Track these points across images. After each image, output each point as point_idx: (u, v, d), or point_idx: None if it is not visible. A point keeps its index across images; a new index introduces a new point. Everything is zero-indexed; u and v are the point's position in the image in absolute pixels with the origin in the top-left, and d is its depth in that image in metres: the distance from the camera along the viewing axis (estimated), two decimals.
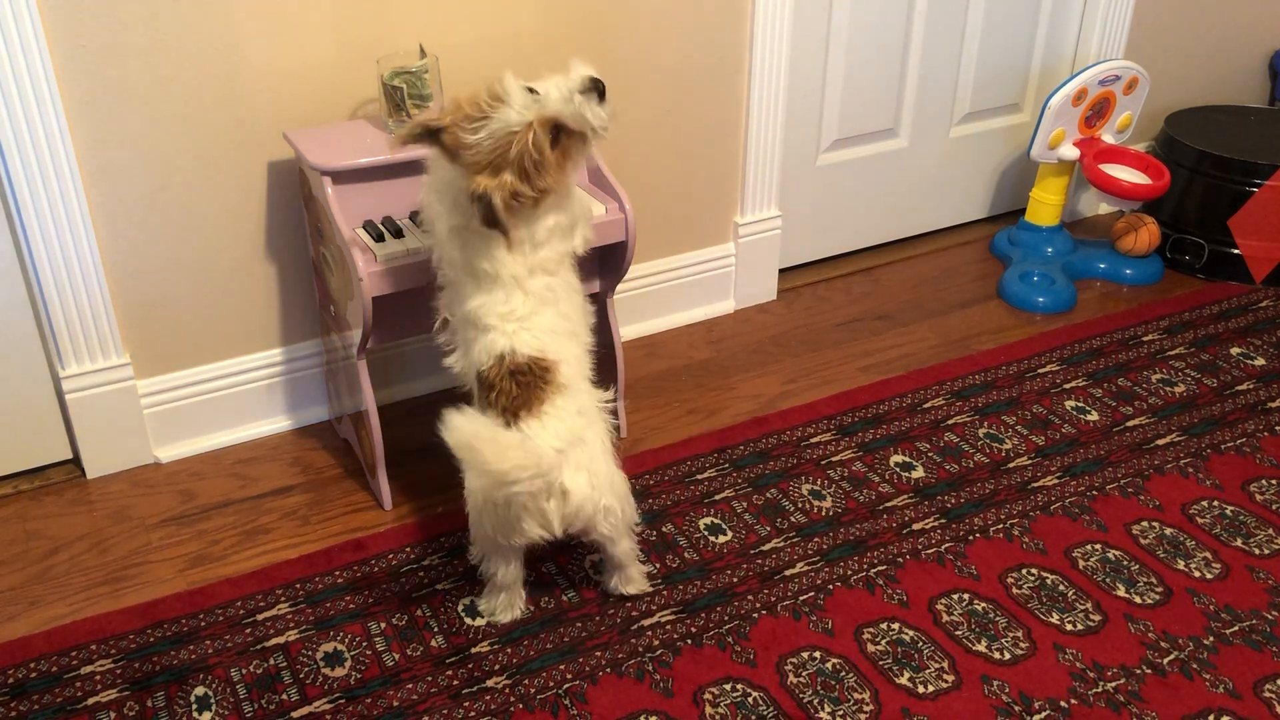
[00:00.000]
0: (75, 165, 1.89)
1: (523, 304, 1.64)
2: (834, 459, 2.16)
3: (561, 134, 1.57)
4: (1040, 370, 2.44)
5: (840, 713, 1.63)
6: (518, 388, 1.61)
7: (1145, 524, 1.99)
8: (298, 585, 1.86)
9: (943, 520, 2.00)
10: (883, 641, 1.75)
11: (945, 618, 1.79)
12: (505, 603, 1.78)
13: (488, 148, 1.54)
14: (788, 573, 1.88)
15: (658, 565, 1.90)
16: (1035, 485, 2.09)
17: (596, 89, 1.57)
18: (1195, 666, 1.70)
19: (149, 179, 1.98)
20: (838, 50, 2.62)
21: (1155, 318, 2.64)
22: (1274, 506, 2.04)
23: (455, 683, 1.68)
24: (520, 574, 1.77)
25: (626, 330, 2.56)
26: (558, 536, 1.65)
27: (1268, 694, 1.66)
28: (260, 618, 1.80)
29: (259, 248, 2.12)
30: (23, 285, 1.99)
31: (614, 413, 1.75)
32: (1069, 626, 1.78)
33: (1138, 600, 1.83)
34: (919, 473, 2.12)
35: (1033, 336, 2.57)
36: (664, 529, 1.98)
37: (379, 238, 1.85)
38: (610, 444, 1.69)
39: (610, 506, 1.65)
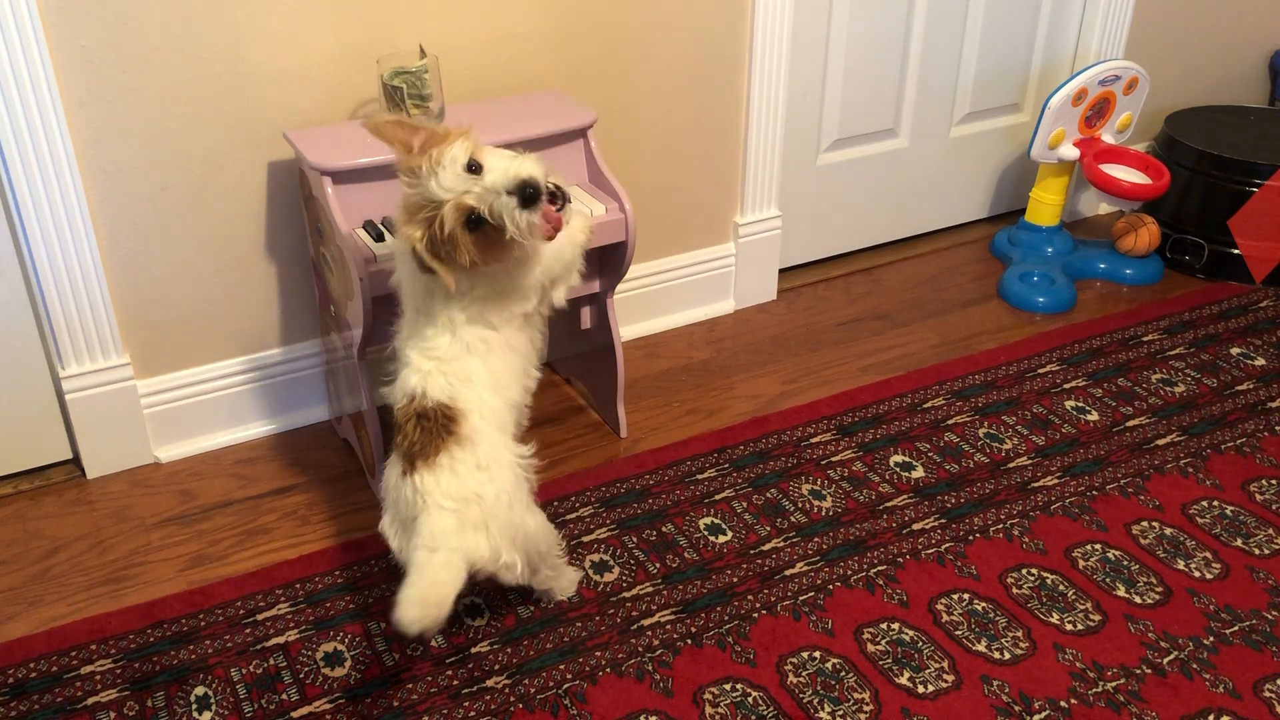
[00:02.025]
0: (75, 165, 1.89)
1: (448, 346, 1.60)
2: (834, 459, 2.16)
3: (484, 222, 1.51)
4: (1040, 370, 2.44)
5: (840, 713, 1.63)
6: (420, 433, 1.55)
7: (1145, 524, 1.99)
8: (298, 585, 1.86)
9: (943, 520, 2.00)
10: (883, 641, 1.75)
11: (945, 618, 1.79)
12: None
13: (415, 204, 1.52)
14: (788, 573, 1.88)
15: (658, 565, 1.90)
16: (1035, 485, 2.09)
17: (523, 193, 1.48)
18: (1195, 666, 1.70)
19: (149, 179, 1.98)
20: (838, 50, 2.62)
21: (1155, 318, 2.64)
22: (1274, 506, 2.04)
23: (455, 683, 1.68)
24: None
25: (626, 330, 2.56)
26: None
27: (1268, 694, 1.66)
28: (260, 618, 1.80)
29: (259, 248, 2.12)
30: (23, 285, 2.00)
31: (534, 469, 1.66)
32: (1069, 626, 1.78)
33: (1138, 600, 1.83)
34: (919, 473, 2.12)
35: (1033, 336, 2.57)
36: (664, 529, 1.98)
37: (379, 238, 1.85)
38: (522, 493, 1.62)
39: (511, 563, 1.58)
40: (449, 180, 1.49)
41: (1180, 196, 2.85)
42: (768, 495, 2.06)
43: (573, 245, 1.75)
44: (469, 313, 1.61)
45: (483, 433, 1.58)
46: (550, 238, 1.59)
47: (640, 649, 1.74)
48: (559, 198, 1.57)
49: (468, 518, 1.53)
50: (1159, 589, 1.85)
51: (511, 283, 1.63)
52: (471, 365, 1.60)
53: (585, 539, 1.95)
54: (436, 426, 1.55)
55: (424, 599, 1.43)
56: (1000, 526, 1.98)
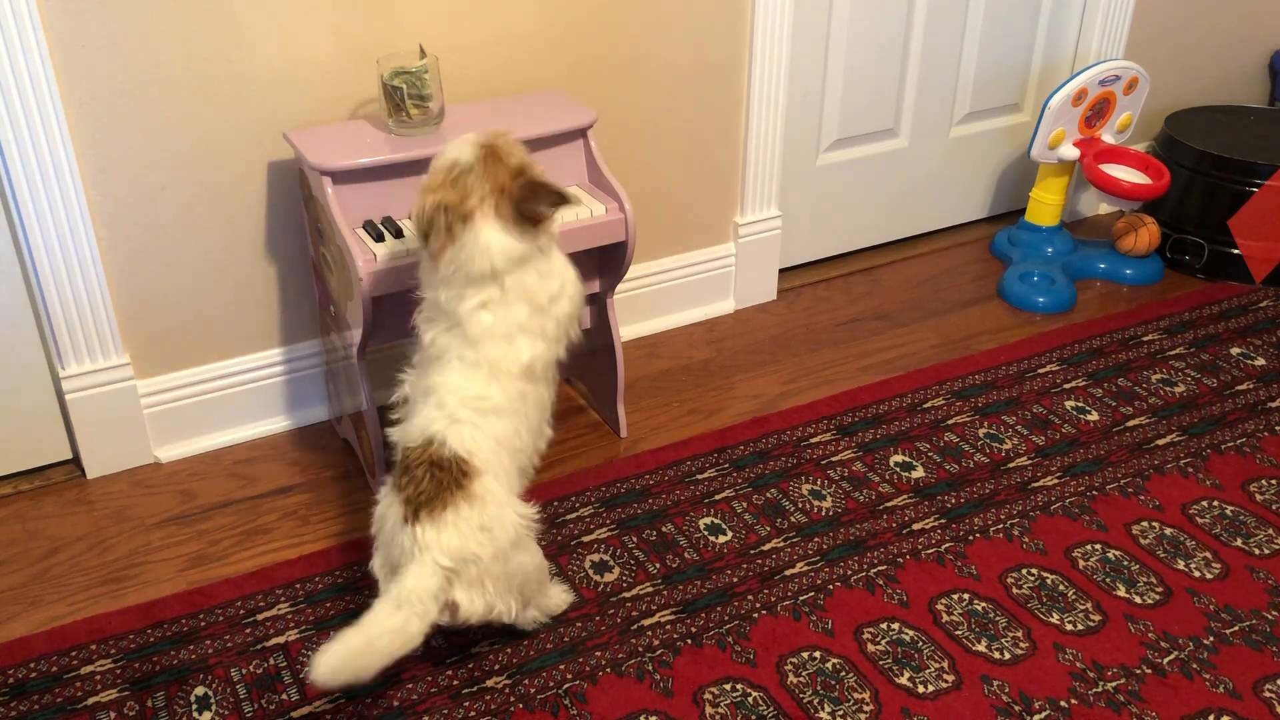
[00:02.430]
0: (75, 165, 1.89)
1: (493, 399, 1.59)
2: (834, 459, 2.16)
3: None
4: (1040, 370, 2.44)
5: (840, 713, 1.63)
6: (429, 481, 1.52)
7: (1145, 524, 1.99)
8: (298, 585, 1.86)
9: (943, 520, 2.00)
10: (883, 641, 1.75)
11: (945, 618, 1.79)
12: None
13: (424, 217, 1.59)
14: (788, 573, 1.88)
15: (658, 565, 1.90)
16: (1035, 485, 2.09)
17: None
18: (1195, 666, 1.70)
19: (149, 179, 1.98)
20: (838, 50, 2.63)
21: (1155, 318, 2.64)
22: (1274, 506, 2.04)
23: (455, 683, 1.68)
24: None
25: (626, 330, 2.56)
26: None
27: (1268, 694, 1.66)
28: (260, 618, 1.80)
29: (259, 248, 2.12)
30: (23, 285, 2.00)
31: (540, 529, 1.65)
32: (1069, 626, 1.78)
33: (1138, 600, 1.83)
34: (919, 473, 2.12)
35: (1033, 336, 2.57)
36: (664, 529, 1.98)
37: (379, 238, 1.85)
38: (524, 542, 1.59)
39: (504, 611, 1.58)
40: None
41: (1180, 196, 2.85)
42: (768, 495, 2.06)
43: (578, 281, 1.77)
44: (500, 349, 1.60)
45: (493, 494, 1.55)
46: None
47: (640, 649, 1.74)
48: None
49: (463, 576, 1.52)
50: (1159, 589, 1.85)
51: (543, 319, 1.65)
52: (503, 426, 1.59)
53: (585, 539, 1.95)
54: (449, 478, 1.52)
55: (348, 658, 1.41)
56: (1000, 526, 1.98)
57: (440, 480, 1.52)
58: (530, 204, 1.58)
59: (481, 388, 1.59)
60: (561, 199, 1.59)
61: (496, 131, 1.63)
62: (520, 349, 1.61)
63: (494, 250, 1.58)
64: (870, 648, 1.74)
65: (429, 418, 1.58)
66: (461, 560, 1.51)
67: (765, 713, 1.63)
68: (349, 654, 1.41)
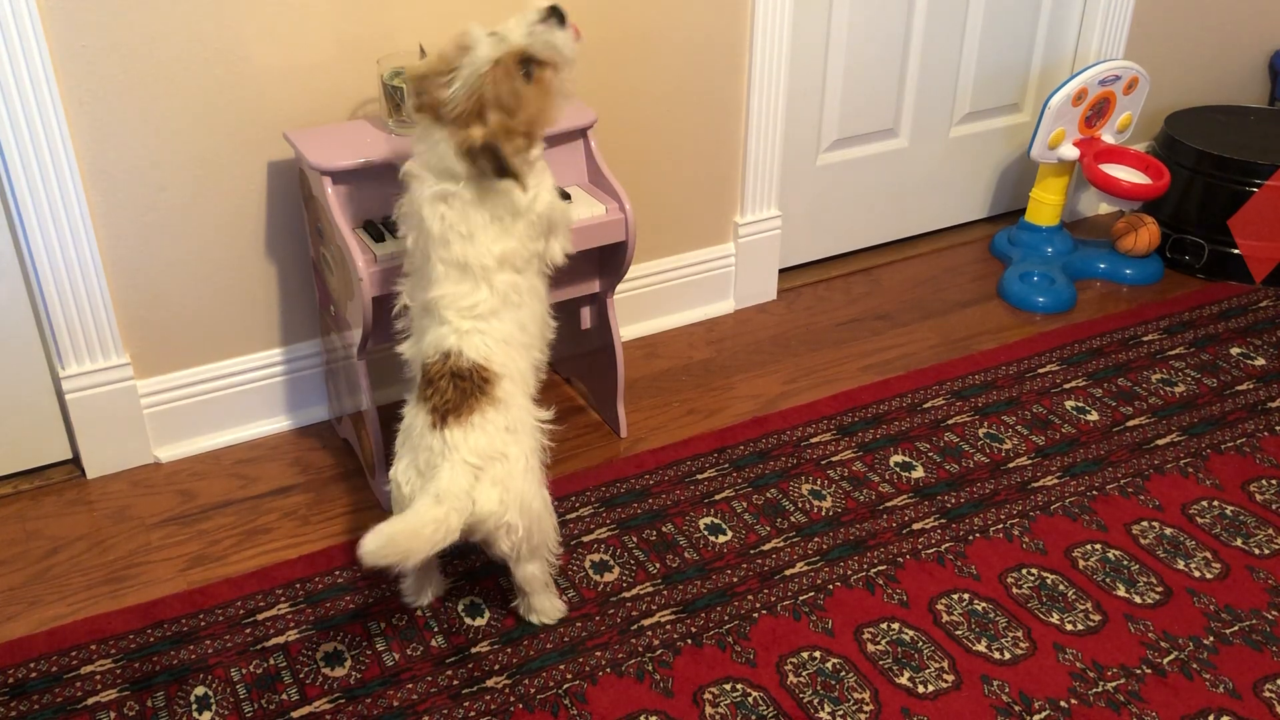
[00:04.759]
0: (75, 165, 1.89)
1: (486, 301, 1.63)
2: (834, 459, 2.16)
3: (533, 66, 1.59)
4: (1040, 370, 2.44)
5: (840, 713, 1.63)
6: (454, 391, 1.60)
7: (1145, 524, 1.99)
8: (298, 585, 1.86)
9: (943, 520, 2.00)
10: (883, 641, 1.75)
11: (945, 618, 1.79)
12: (413, 587, 1.80)
13: (463, 96, 1.56)
14: (788, 573, 1.88)
15: (658, 565, 1.90)
16: (1035, 485, 2.09)
17: (555, 15, 1.58)
18: (1195, 666, 1.70)
19: (149, 179, 1.98)
20: (838, 50, 2.62)
21: (1155, 318, 2.64)
22: (1274, 506, 2.04)
23: (455, 683, 1.68)
24: (429, 561, 1.76)
25: (626, 330, 2.56)
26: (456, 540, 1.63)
27: (1268, 694, 1.66)
28: (260, 618, 1.80)
29: (259, 248, 2.12)
30: (23, 285, 2.00)
31: (551, 435, 1.73)
32: (1069, 626, 1.78)
33: (1138, 600, 1.83)
34: (919, 473, 2.12)
35: (1033, 336, 2.57)
36: (664, 529, 1.98)
37: (379, 238, 1.85)
38: (538, 464, 1.67)
39: (513, 524, 1.62)
40: (486, 43, 1.56)
41: (1180, 196, 2.85)
42: (768, 495, 2.06)
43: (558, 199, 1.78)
44: (493, 250, 1.62)
45: (514, 397, 1.65)
46: (579, 35, 1.63)
47: (640, 649, 1.74)
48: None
49: (488, 473, 1.58)
50: (1159, 589, 1.85)
51: (524, 213, 1.66)
52: (505, 322, 1.65)
53: (585, 539, 1.96)
54: (472, 386, 1.61)
55: (394, 539, 1.48)
56: (1000, 526, 1.99)
57: (463, 389, 1.60)
58: (480, 159, 1.58)
59: (471, 293, 1.63)
60: (506, 173, 1.58)
61: (534, 33, 1.59)
62: (485, 246, 1.63)
63: (449, 159, 1.60)
64: (870, 648, 1.74)
65: (438, 335, 1.64)
66: (488, 458, 1.59)
67: (765, 713, 1.63)
68: (396, 534, 1.49)
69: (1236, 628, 1.77)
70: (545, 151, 1.99)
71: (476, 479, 1.58)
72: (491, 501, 1.59)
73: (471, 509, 1.57)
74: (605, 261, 2.08)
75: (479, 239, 1.63)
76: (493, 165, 1.57)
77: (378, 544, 1.46)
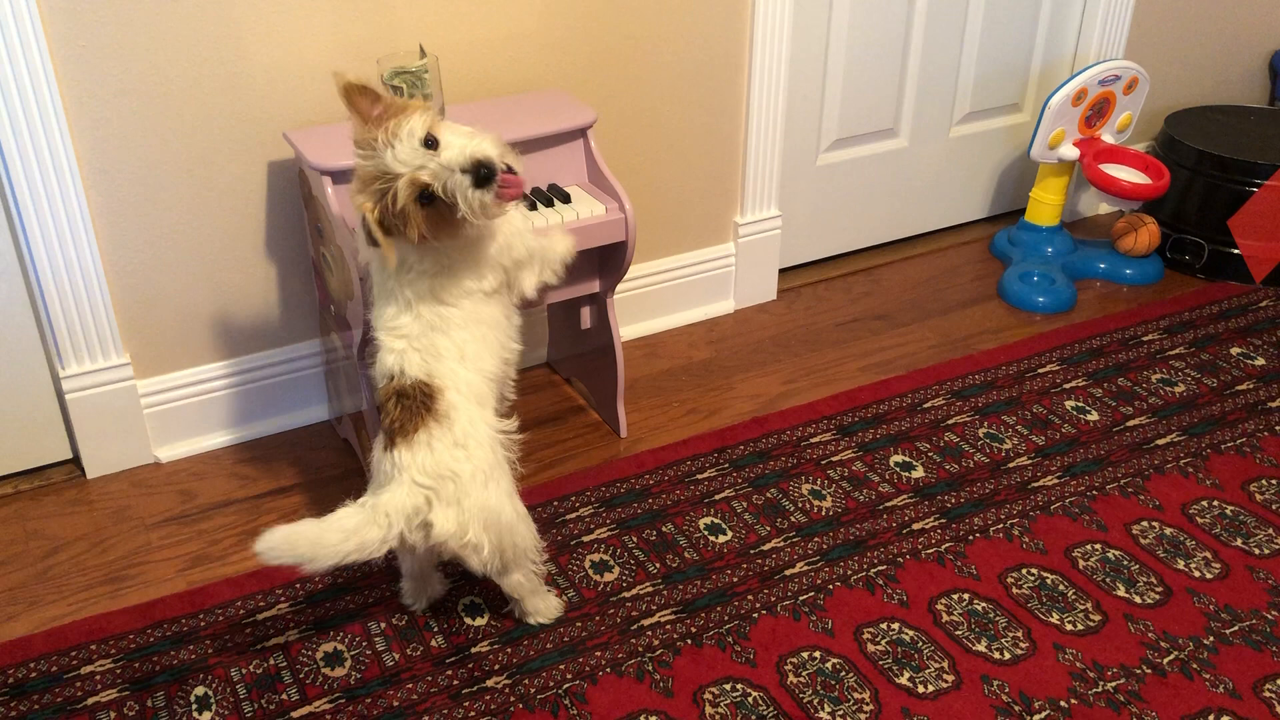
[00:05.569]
0: (75, 165, 1.89)
1: (410, 324, 1.60)
2: (834, 459, 2.16)
3: (436, 198, 1.50)
4: (1040, 370, 2.44)
5: (840, 713, 1.63)
6: (399, 410, 1.56)
7: (1145, 524, 1.99)
8: (298, 585, 1.86)
9: (943, 520, 2.00)
10: (883, 641, 1.75)
11: (945, 618, 1.79)
12: (410, 590, 1.80)
13: (369, 175, 1.52)
14: (788, 573, 1.88)
15: (658, 565, 1.90)
16: (1035, 485, 2.09)
17: (478, 172, 1.48)
18: (1195, 666, 1.70)
19: (149, 179, 1.98)
20: (838, 50, 2.62)
21: (1155, 318, 2.64)
22: (1274, 506, 2.04)
23: (455, 683, 1.68)
24: (426, 566, 1.76)
25: (626, 330, 2.56)
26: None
27: (1268, 694, 1.66)
28: (260, 618, 1.80)
29: (259, 248, 2.12)
30: (23, 285, 2.00)
31: (517, 443, 1.67)
32: (1069, 626, 1.78)
33: (1138, 600, 1.83)
34: (919, 473, 2.12)
35: (1033, 336, 2.57)
36: (664, 529, 1.98)
37: None
38: (502, 474, 1.62)
39: (477, 543, 1.57)
40: (405, 154, 1.48)
41: (1180, 196, 2.85)
42: (768, 495, 2.06)
43: (533, 238, 1.73)
44: (416, 289, 1.60)
45: (459, 408, 1.59)
46: (514, 197, 1.55)
47: (640, 649, 1.74)
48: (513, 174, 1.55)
49: (441, 495, 1.55)
50: (1159, 589, 1.85)
51: (465, 259, 1.62)
52: (437, 340, 1.61)
53: (585, 539, 1.96)
54: (415, 404, 1.57)
55: (290, 539, 1.46)
56: (1000, 526, 1.98)
57: (408, 407, 1.56)
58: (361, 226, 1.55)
59: (396, 315, 1.60)
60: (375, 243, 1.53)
61: (451, 182, 1.49)
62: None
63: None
64: (870, 648, 1.74)
65: (382, 358, 1.62)
66: (438, 477, 1.55)
67: (765, 713, 1.63)
68: (293, 536, 1.47)
69: (1236, 628, 1.77)
70: (546, 151, 2.00)
71: (430, 502, 1.54)
72: (449, 523, 1.55)
73: (399, 529, 1.53)
74: (605, 261, 2.08)
75: (391, 271, 1.60)
76: (365, 234, 1.54)
77: (270, 542, 1.45)
